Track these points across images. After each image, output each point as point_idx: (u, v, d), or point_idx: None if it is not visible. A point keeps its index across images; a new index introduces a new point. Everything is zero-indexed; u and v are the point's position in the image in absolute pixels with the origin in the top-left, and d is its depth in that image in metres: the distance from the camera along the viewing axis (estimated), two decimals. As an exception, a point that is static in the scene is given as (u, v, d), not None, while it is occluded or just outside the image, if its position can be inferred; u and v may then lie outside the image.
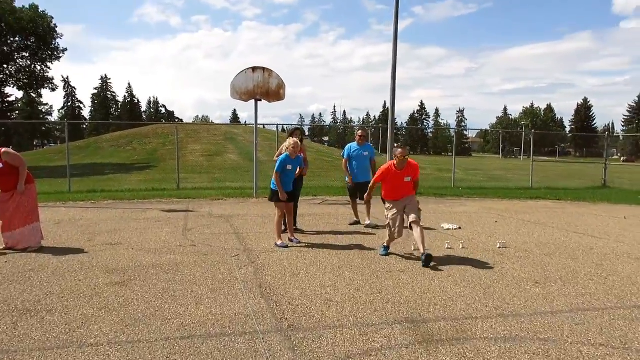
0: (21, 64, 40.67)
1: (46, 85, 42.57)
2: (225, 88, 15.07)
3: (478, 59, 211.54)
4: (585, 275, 5.32)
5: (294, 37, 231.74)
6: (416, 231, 5.80)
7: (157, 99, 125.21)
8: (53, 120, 79.73)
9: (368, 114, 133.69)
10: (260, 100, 12.71)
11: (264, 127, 27.07)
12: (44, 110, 74.20)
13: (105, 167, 24.95)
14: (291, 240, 6.94)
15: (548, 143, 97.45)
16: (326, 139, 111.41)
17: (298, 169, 7.04)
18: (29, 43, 38.97)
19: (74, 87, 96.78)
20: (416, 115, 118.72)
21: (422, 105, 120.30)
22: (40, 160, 29.44)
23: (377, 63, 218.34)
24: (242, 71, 12.56)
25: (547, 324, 3.78)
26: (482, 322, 3.81)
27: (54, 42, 40.04)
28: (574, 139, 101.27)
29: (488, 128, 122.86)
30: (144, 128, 39.69)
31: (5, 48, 38.12)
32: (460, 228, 8.33)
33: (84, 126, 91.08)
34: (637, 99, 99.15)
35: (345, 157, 8.67)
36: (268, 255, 6.10)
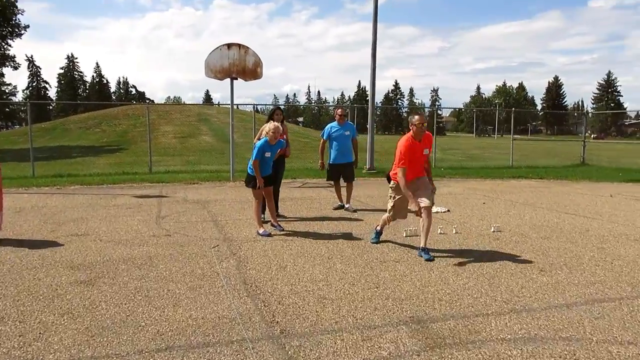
0: (-22, 40, 38.55)
1: (7, 63, 40.47)
2: (197, 69, 14.49)
3: (451, 37, 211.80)
4: (590, 260, 5.03)
5: (266, 16, 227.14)
6: (426, 221, 5.01)
7: (126, 79, 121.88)
8: (17, 100, 76.34)
9: (342, 94, 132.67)
10: (237, 79, 12.05)
11: (237, 107, 26.26)
12: (7, 91, 70.83)
13: (73, 149, 23.78)
14: (273, 227, 6.48)
15: (521, 121, 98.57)
16: (301, 119, 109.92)
17: (279, 150, 6.55)
18: (-14, 19, 36.87)
19: (38, 67, 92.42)
20: (391, 95, 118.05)
21: (396, 85, 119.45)
22: (3, 143, 27.92)
23: (350, 43, 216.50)
24: (216, 48, 11.84)
25: (565, 320, 3.43)
26: (495, 319, 3.44)
27: (14, 18, 37.89)
28: (545, 117, 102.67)
29: (462, 107, 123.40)
30: (114, 109, 38.12)
31: (-41, 23, 36.06)
32: (449, 211, 8.00)
33: (50, 107, 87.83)
34: (606, 77, 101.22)
35: (324, 137, 8.05)
36: (250, 245, 5.63)
